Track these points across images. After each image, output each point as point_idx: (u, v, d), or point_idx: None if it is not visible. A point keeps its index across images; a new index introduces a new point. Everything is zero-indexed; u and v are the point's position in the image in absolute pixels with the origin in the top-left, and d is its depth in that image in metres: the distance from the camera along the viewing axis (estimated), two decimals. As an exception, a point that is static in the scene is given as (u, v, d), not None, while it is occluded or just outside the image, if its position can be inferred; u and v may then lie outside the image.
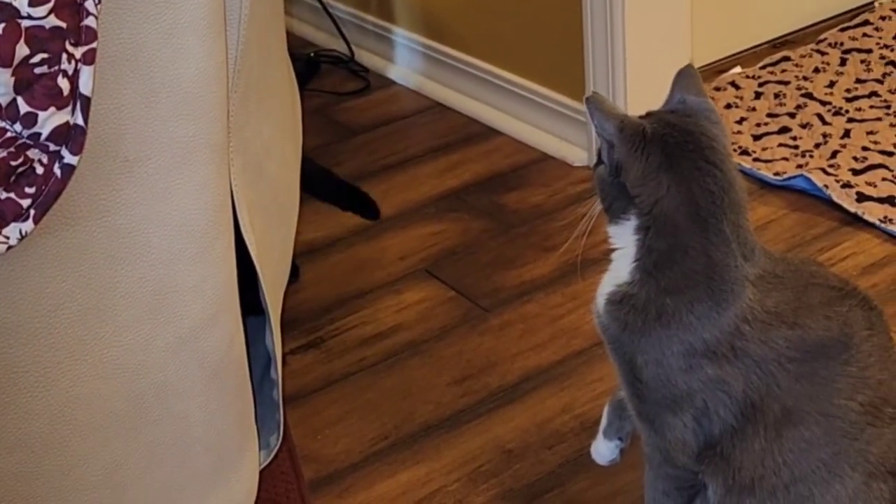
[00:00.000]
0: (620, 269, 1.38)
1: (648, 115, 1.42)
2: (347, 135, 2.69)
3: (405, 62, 2.93)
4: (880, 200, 2.23)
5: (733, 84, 2.71)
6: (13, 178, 1.06)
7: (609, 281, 1.39)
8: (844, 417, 1.35)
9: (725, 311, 1.34)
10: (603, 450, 1.59)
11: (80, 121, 1.05)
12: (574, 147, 2.50)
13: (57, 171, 1.07)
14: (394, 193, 2.44)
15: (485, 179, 2.48)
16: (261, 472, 1.59)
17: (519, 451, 1.77)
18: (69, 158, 1.06)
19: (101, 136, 1.12)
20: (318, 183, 2.27)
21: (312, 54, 3.05)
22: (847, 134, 2.47)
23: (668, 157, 1.33)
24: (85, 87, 1.05)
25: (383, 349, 2.02)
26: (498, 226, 2.31)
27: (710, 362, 1.34)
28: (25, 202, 1.06)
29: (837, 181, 2.29)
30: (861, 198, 2.24)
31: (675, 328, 1.35)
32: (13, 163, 1.05)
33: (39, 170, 1.06)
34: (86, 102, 1.05)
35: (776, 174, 2.35)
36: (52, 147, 1.06)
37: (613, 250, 1.39)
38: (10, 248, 1.07)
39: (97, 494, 1.24)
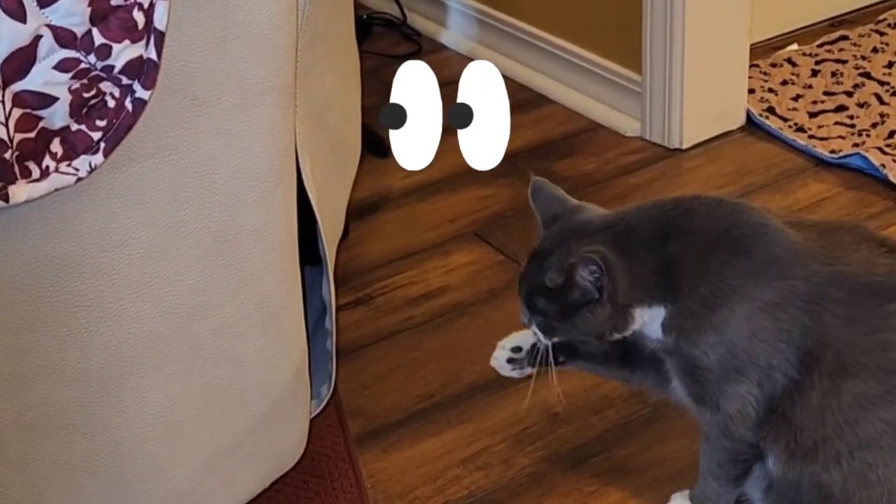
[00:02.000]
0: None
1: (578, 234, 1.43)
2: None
3: (457, 27, 2.92)
4: (937, 181, 2.21)
5: (790, 61, 2.68)
6: (85, 110, 1.06)
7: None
8: None
9: (754, 256, 1.36)
10: (517, 333, 1.56)
11: (153, 55, 1.05)
12: (626, 117, 2.49)
13: (129, 105, 1.07)
14: (445, 157, 2.40)
15: (536, 146, 2.46)
16: (309, 424, 1.60)
17: (565, 416, 1.76)
18: (141, 93, 1.06)
19: (173, 72, 1.12)
20: None
21: (365, 16, 3.04)
22: (904, 114, 2.45)
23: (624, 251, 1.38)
24: (160, 21, 1.05)
25: (430, 309, 2.02)
26: (548, 193, 2.30)
27: (766, 315, 1.35)
28: (96, 135, 1.06)
29: (894, 161, 2.26)
30: (918, 178, 2.22)
31: (724, 306, 1.35)
32: (86, 94, 1.05)
33: (111, 103, 1.07)
34: (160, 37, 1.05)
35: (832, 152, 2.32)
36: (125, 80, 1.06)
37: None
38: (79, 180, 1.07)
39: (151, 432, 1.25)
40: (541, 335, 1.42)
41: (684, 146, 2.40)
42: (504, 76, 2.72)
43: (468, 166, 2.40)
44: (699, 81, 2.37)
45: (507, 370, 1.56)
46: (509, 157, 2.41)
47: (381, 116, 1.61)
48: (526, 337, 1.54)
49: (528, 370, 1.55)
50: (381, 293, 2.06)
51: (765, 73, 2.63)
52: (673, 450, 1.68)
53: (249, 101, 1.19)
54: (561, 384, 1.81)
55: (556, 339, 1.43)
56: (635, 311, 1.39)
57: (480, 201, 2.29)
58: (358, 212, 2.25)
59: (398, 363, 1.90)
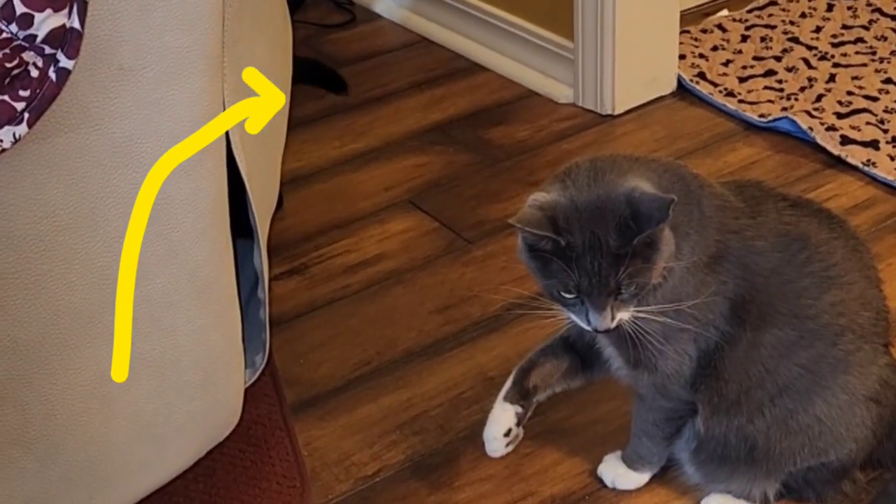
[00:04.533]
0: None
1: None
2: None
3: (391, -4, 2.91)
4: (864, 144, 2.24)
5: (720, 27, 2.70)
6: (8, 80, 1.05)
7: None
8: (815, 318, 1.40)
9: (698, 208, 1.38)
10: (499, 415, 1.53)
11: (76, 24, 1.05)
12: (559, 84, 2.50)
13: (52, 74, 1.06)
14: (378, 126, 2.44)
15: (470, 114, 2.47)
16: (244, 393, 1.60)
17: (500, 379, 1.75)
18: (65, 62, 1.06)
19: (97, 41, 1.11)
20: None
21: (298, -14, 3.03)
22: (832, 78, 2.48)
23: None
24: (82, -11, 1.04)
25: (366, 277, 2.02)
26: (482, 160, 2.31)
27: (709, 270, 1.38)
28: (20, 105, 1.06)
29: (822, 124, 2.30)
30: (845, 141, 2.25)
31: (679, 262, 1.37)
32: (8, 65, 1.05)
33: (34, 73, 1.06)
34: (83, 5, 1.05)
35: (761, 116, 2.35)
36: (48, 50, 1.06)
37: None
38: (3, 150, 1.06)
39: (84, 404, 1.25)
40: (628, 310, 1.35)
41: (616, 112, 2.42)
42: (437, 45, 2.73)
43: (400, 137, 2.42)
44: (630, 47, 2.39)
45: (504, 449, 1.56)
46: (443, 125, 2.43)
47: None
48: (504, 416, 1.54)
49: (521, 434, 1.56)
50: (316, 262, 2.07)
51: (695, 39, 2.65)
52: (604, 412, 1.70)
53: (176, 71, 1.18)
54: (495, 348, 1.85)
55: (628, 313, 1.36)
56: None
57: (415, 169, 2.29)
58: (292, 182, 2.25)
59: (334, 331, 1.91)
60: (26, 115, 1.06)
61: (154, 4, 1.14)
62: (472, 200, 2.20)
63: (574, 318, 1.37)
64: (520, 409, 1.54)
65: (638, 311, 1.35)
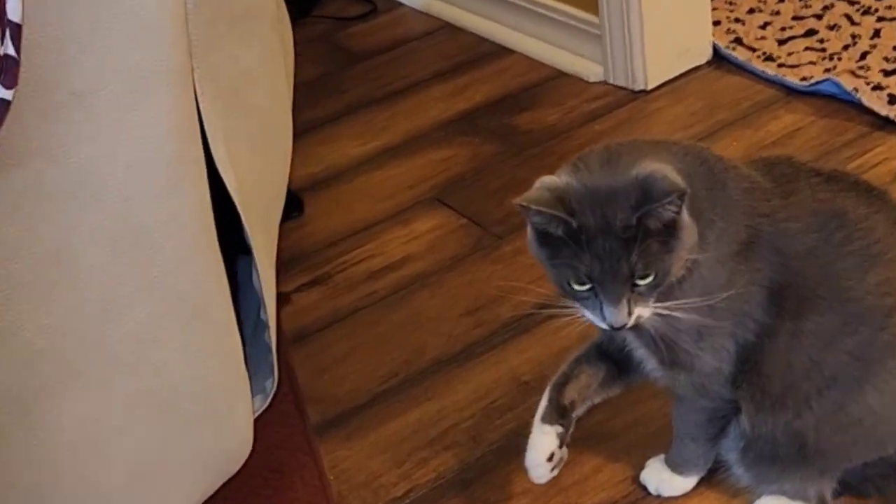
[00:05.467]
0: None
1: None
2: (352, 61, 2.58)
3: (412, -18, 2.81)
4: (913, 102, 2.11)
5: (756, -13, 2.57)
6: (-56, 116, 0.97)
7: None
8: (859, 301, 1.30)
9: (723, 193, 1.29)
10: (539, 439, 1.39)
11: (10, 51, 0.96)
12: (588, 62, 2.39)
13: (-9, 107, 0.98)
14: (400, 120, 2.34)
15: (496, 101, 2.37)
16: (262, 417, 1.53)
17: (535, 384, 1.68)
18: (2, 93, 0.97)
19: (43, 68, 1.03)
20: None
21: (316, -20, 2.94)
22: (877, 34, 2.34)
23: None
24: (14, 13, 0.96)
25: (392, 282, 1.93)
26: (510, 148, 2.21)
27: (741, 258, 1.28)
28: (-40, 142, 0.98)
29: (868, 84, 2.16)
30: (893, 100, 2.12)
31: (706, 253, 1.27)
32: (-58, 101, 0.96)
33: (-28, 106, 0.98)
34: (16, 30, 0.96)
35: (803, 79, 2.23)
36: (-16, 81, 0.97)
37: None
38: (-54, 194, 0.98)
39: (72, 453, 1.17)
40: (647, 305, 1.24)
41: (649, 87, 2.30)
42: (461, 29, 2.63)
43: (424, 130, 2.33)
44: (660, 17, 2.27)
45: (549, 475, 1.41)
46: (468, 114, 2.33)
47: None
48: (544, 440, 1.40)
49: (565, 455, 1.42)
50: (340, 270, 1.98)
51: (730, 3, 2.53)
52: (644, 413, 1.60)
53: (137, 90, 1.10)
54: (528, 350, 1.75)
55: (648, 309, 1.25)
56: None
57: (439, 164, 2.20)
58: (311, 186, 2.17)
59: (359, 342, 1.82)
60: (-31, 153, 0.98)
61: (106, 23, 1.06)
62: (500, 192, 2.09)
63: (589, 315, 1.26)
64: (560, 429, 1.40)
65: (659, 308, 1.24)
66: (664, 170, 1.22)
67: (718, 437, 1.44)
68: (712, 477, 1.48)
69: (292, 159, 1.81)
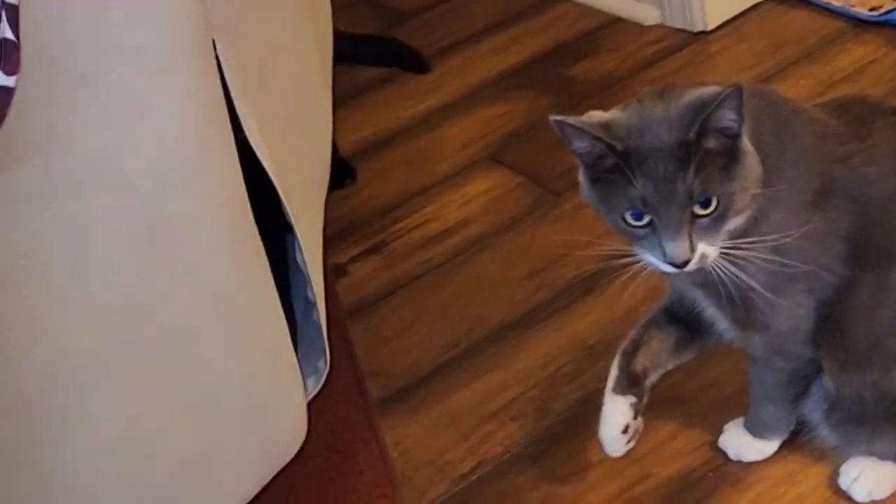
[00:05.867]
0: None
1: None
2: (400, 20, 2.50)
3: (458, -67, 2.72)
4: None
5: (818, -86, 2.44)
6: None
7: None
8: None
9: (793, 138, 1.21)
10: (612, 411, 1.32)
11: (8, 34, 0.90)
12: (644, 4, 2.29)
13: (-7, 96, 0.92)
14: (451, 78, 2.26)
15: (549, 52, 2.28)
16: (320, 395, 1.46)
17: (602, 347, 1.60)
18: (3, 79, 0.91)
19: (48, 50, 0.96)
20: (353, 48, 2.16)
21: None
22: (949, -46, 2.21)
23: None
24: (8, -6, 0.89)
25: (450, 247, 1.86)
26: (567, 100, 2.12)
27: (814, 208, 1.20)
28: (-37, 136, 0.92)
29: (943, 8, 2.05)
30: (970, 24, 2.00)
31: (773, 207, 1.18)
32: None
33: (-28, 98, 0.91)
34: (13, 12, 0.90)
35: (872, 10, 2.12)
36: (-18, 70, 0.91)
37: None
38: (-47, 192, 0.92)
39: (112, 454, 1.12)
40: (712, 242, 1.16)
41: (709, 27, 2.20)
42: (511, -21, 2.54)
43: (476, 87, 2.24)
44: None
45: (625, 447, 1.34)
46: (521, 68, 2.24)
47: None
48: (617, 412, 1.33)
49: (640, 426, 1.35)
50: (395, 237, 1.91)
51: (791, -67, 2.40)
52: (719, 374, 1.52)
53: (150, 72, 1.02)
54: (593, 312, 1.67)
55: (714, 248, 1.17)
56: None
57: (493, 121, 2.12)
58: (363, 152, 2.10)
59: (419, 312, 1.76)
60: (-26, 147, 0.92)
61: (111, 1, 0.98)
62: (557, 148, 1.97)
63: (649, 257, 1.17)
64: (634, 399, 1.33)
65: (725, 247, 1.15)
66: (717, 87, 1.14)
67: (800, 398, 1.36)
68: (795, 439, 1.41)
69: (341, 125, 1.74)
